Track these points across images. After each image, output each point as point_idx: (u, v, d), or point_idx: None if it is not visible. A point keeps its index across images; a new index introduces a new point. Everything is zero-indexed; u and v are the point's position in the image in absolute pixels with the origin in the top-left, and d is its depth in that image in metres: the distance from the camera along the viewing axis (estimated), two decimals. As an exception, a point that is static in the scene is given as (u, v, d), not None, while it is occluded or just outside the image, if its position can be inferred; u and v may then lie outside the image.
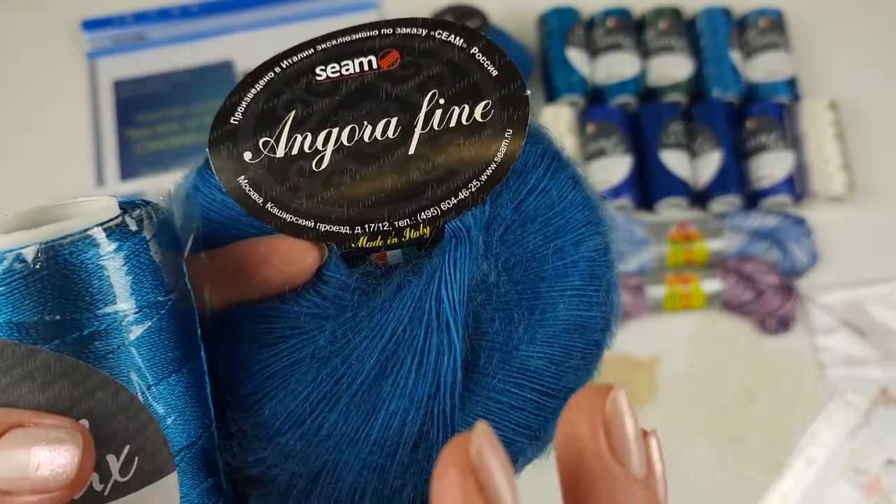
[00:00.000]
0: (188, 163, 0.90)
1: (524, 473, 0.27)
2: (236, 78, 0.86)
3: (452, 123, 0.24)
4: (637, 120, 0.80)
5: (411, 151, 0.24)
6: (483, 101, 0.24)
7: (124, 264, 0.20)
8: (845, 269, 0.77)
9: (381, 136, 0.24)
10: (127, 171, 0.83)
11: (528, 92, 0.25)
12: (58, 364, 0.19)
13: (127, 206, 0.22)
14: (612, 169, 0.77)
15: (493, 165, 0.24)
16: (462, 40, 0.25)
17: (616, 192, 0.77)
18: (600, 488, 0.16)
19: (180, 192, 0.26)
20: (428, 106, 0.24)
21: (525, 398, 0.24)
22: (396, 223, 0.24)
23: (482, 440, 0.15)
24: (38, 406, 0.19)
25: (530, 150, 0.26)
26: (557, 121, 0.79)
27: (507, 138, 0.24)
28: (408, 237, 0.24)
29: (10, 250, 0.19)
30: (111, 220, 0.20)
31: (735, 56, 0.82)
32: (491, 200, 0.25)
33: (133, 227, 0.21)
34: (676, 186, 0.78)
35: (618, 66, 0.82)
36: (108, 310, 0.20)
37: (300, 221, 0.24)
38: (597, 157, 0.78)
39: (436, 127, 0.24)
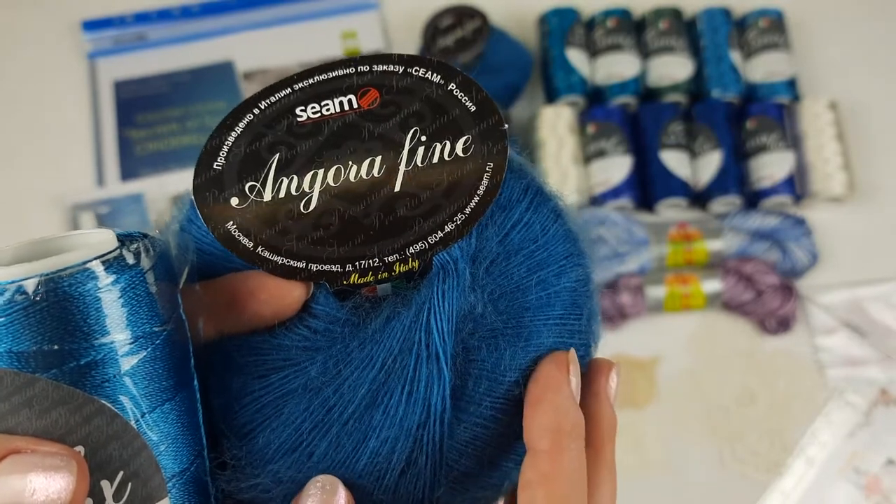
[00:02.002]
0: (188, 163, 0.90)
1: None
2: (237, 78, 0.86)
3: (435, 159, 0.25)
4: (637, 120, 0.80)
5: (397, 189, 0.25)
6: (463, 136, 0.25)
7: (121, 296, 0.21)
8: (845, 269, 0.77)
9: (367, 175, 0.25)
10: (127, 172, 0.83)
11: (506, 126, 0.25)
12: (55, 392, 0.20)
13: (125, 238, 0.23)
14: (613, 169, 0.78)
15: (477, 198, 0.25)
16: (439, 76, 0.25)
17: (616, 192, 0.77)
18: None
19: (175, 224, 0.27)
20: (410, 143, 0.25)
21: (510, 423, 0.25)
22: (386, 258, 0.25)
23: (573, 355, 0.25)
24: (35, 433, 0.20)
25: (514, 184, 0.26)
26: (557, 121, 0.79)
27: (489, 171, 0.25)
28: (397, 271, 0.25)
29: (12, 282, 0.20)
30: (109, 252, 0.21)
31: (735, 56, 0.82)
32: (477, 234, 0.25)
33: (131, 259, 0.21)
34: (676, 187, 0.78)
35: (618, 66, 0.82)
36: (104, 340, 0.21)
37: (291, 263, 0.24)
38: (597, 157, 0.78)
39: (419, 164, 0.25)
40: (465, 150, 0.25)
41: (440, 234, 0.25)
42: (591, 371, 0.26)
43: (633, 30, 0.83)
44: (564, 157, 0.78)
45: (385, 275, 0.25)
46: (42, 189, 0.81)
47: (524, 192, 0.26)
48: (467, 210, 0.25)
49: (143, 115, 0.85)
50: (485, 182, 0.25)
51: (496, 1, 0.83)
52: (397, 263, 0.25)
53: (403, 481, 0.24)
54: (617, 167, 0.78)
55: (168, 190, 0.81)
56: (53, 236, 0.23)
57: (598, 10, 0.84)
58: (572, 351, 0.25)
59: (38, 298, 0.20)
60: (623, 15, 0.83)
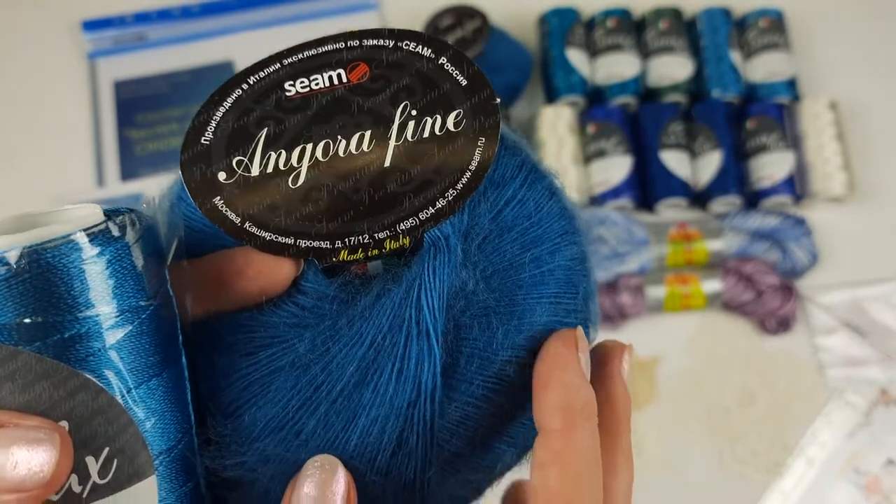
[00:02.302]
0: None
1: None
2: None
3: (426, 134, 0.24)
4: (637, 120, 0.80)
5: (387, 164, 0.24)
6: (454, 110, 0.25)
7: (106, 268, 0.21)
8: (845, 269, 0.77)
9: (356, 150, 0.24)
10: (127, 172, 0.83)
11: (498, 100, 0.25)
12: (39, 365, 0.20)
13: (112, 213, 0.22)
14: (613, 169, 0.78)
15: (469, 173, 0.24)
16: (430, 50, 0.25)
17: (616, 192, 0.77)
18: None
19: (164, 201, 0.26)
20: (401, 118, 0.25)
21: (503, 404, 0.25)
22: (376, 235, 0.24)
23: (581, 332, 0.24)
24: (18, 407, 0.20)
25: (508, 161, 0.26)
26: (558, 121, 0.79)
27: (480, 146, 0.24)
28: (388, 248, 0.24)
29: None
30: (95, 225, 0.21)
31: (735, 56, 0.82)
32: (469, 210, 0.25)
33: (116, 232, 0.21)
34: (676, 187, 0.78)
35: (618, 66, 0.82)
36: (89, 313, 0.20)
37: (280, 239, 0.24)
38: (597, 157, 0.78)
39: (409, 138, 0.24)
40: (456, 125, 0.25)
41: (431, 210, 0.24)
42: (604, 353, 0.26)
43: (633, 30, 0.83)
44: (564, 157, 0.78)
45: (375, 251, 0.24)
46: (42, 189, 0.81)
47: (518, 168, 0.26)
48: (459, 186, 0.24)
49: (143, 115, 0.85)
50: (476, 157, 0.24)
51: (496, 1, 0.83)
52: (388, 240, 0.24)
53: (395, 462, 0.24)
54: (617, 167, 0.78)
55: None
56: (40, 211, 0.22)
57: (598, 10, 0.84)
58: (579, 328, 0.24)
59: (20, 269, 0.19)
60: (623, 15, 0.83)
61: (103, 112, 0.85)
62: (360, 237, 0.24)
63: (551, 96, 0.82)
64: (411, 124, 0.25)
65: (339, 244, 0.24)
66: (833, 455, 0.63)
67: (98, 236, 0.21)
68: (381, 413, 0.23)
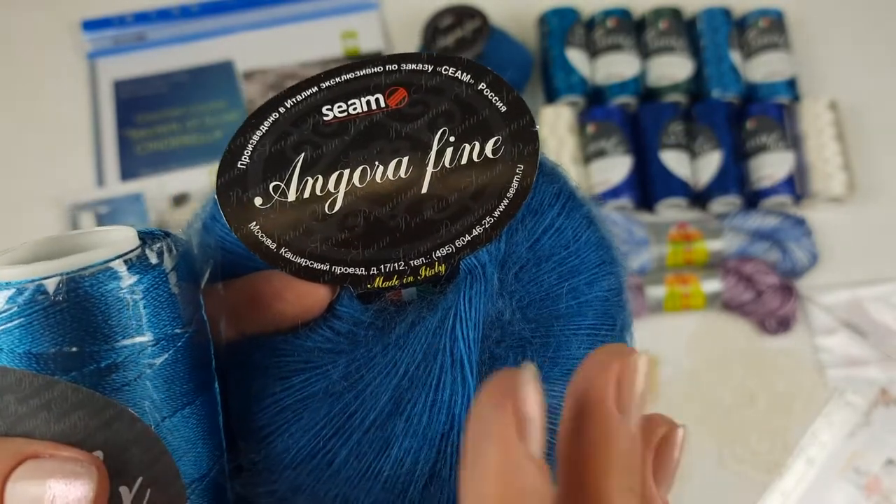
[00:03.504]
0: (188, 163, 0.90)
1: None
2: (236, 78, 0.86)
3: (464, 161, 0.24)
4: (637, 120, 0.80)
5: (424, 190, 0.24)
6: (493, 137, 0.24)
7: (143, 297, 0.20)
8: (845, 269, 0.77)
9: (393, 176, 0.24)
10: (127, 172, 0.83)
11: (538, 127, 0.25)
12: (75, 395, 0.20)
13: (146, 236, 0.22)
14: (612, 169, 0.78)
15: (507, 201, 0.24)
16: (469, 76, 0.25)
17: (616, 192, 0.77)
18: (596, 429, 0.17)
19: (198, 223, 0.26)
20: (439, 144, 0.24)
21: None
22: (412, 262, 0.24)
23: (528, 376, 0.17)
24: (54, 437, 0.19)
25: (546, 189, 0.26)
26: (557, 121, 0.79)
27: (519, 173, 0.24)
28: (423, 275, 0.24)
29: (31, 280, 0.19)
30: (132, 251, 0.20)
31: (735, 56, 0.82)
32: (506, 238, 0.25)
33: (154, 259, 0.21)
34: (676, 187, 0.78)
35: (618, 66, 0.82)
36: (126, 342, 0.20)
37: (315, 265, 0.24)
38: (597, 157, 0.78)
39: (447, 165, 0.24)
40: (494, 152, 0.24)
41: (468, 237, 0.24)
42: (582, 380, 0.19)
43: (633, 30, 0.83)
44: (564, 157, 0.78)
45: (410, 279, 0.24)
46: (42, 189, 0.81)
47: (556, 196, 0.26)
48: (496, 213, 0.24)
49: (142, 114, 0.85)
50: (515, 185, 0.24)
51: (496, 1, 0.83)
52: (423, 267, 0.24)
53: (427, 494, 0.23)
54: (617, 167, 0.78)
55: (168, 190, 0.81)
56: (73, 233, 0.22)
57: (598, 10, 0.84)
58: (529, 366, 0.17)
59: (58, 298, 0.19)
60: (623, 15, 0.83)
61: (103, 112, 0.85)
62: (396, 264, 0.24)
63: (551, 96, 0.82)
64: (449, 150, 0.24)
65: (374, 271, 0.24)
66: (833, 455, 0.63)
67: (136, 264, 0.20)
68: (413, 444, 0.23)
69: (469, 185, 0.24)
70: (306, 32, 0.88)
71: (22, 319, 0.19)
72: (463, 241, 0.24)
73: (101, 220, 0.80)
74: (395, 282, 0.24)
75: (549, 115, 0.79)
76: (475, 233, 0.24)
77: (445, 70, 0.25)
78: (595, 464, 0.17)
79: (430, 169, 0.24)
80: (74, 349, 0.19)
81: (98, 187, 0.82)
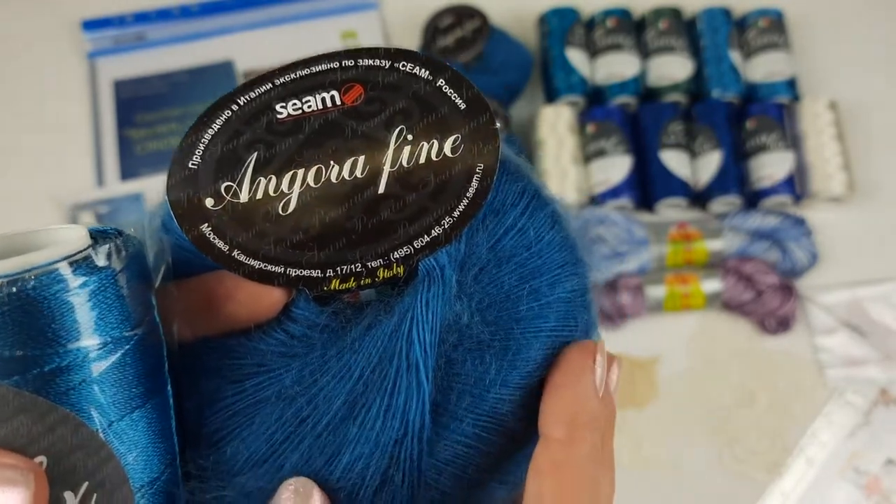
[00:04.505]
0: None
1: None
2: (236, 78, 0.86)
3: (422, 160, 0.24)
4: (637, 120, 0.80)
5: (381, 190, 0.23)
6: (452, 135, 0.24)
7: (90, 299, 0.20)
8: (845, 269, 0.77)
9: (349, 176, 0.23)
10: (127, 171, 0.83)
11: (498, 125, 0.24)
12: (17, 400, 0.19)
13: (99, 235, 0.21)
14: (612, 169, 0.78)
15: (466, 201, 0.23)
16: (427, 72, 0.24)
17: (616, 192, 0.77)
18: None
19: (154, 221, 0.25)
20: (396, 143, 0.24)
21: (495, 442, 0.24)
22: (369, 264, 0.24)
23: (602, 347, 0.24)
24: None
25: (509, 188, 0.25)
26: (557, 121, 0.79)
27: (479, 173, 0.24)
28: (381, 277, 0.24)
29: None
30: (78, 252, 0.20)
31: (735, 56, 0.82)
32: (467, 239, 0.24)
33: (101, 261, 0.20)
34: (676, 186, 0.78)
35: (618, 66, 0.82)
36: (71, 346, 0.19)
37: (269, 267, 0.23)
38: (597, 157, 0.78)
39: (405, 164, 0.23)
40: (454, 150, 0.24)
41: (426, 238, 0.23)
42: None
43: (633, 30, 0.83)
44: (564, 157, 0.78)
45: (368, 280, 0.24)
46: (42, 189, 0.81)
47: (520, 195, 0.25)
48: (455, 213, 0.23)
49: (142, 114, 0.85)
50: (475, 184, 0.23)
51: (496, 1, 0.83)
52: (381, 269, 0.24)
53: (378, 500, 0.23)
54: (617, 167, 0.78)
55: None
56: (25, 231, 0.21)
57: (598, 9, 0.84)
58: (602, 342, 0.24)
59: (0, 301, 0.18)
60: (623, 15, 0.83)
61: (103, 112, 0.85)
62: (353, 266, 0.24)
63: (551, 96, 0.82)
64: (407, 149, 0.24)
65: (330, 273, 0.24)
66: (833, 455, 0.63)
67: (82, 265, 0.19)
68: (366, 450, 0.23)
69: (427, 185, 0.23)
70: (306, 32, 0.88)
71: None
72: (421, 241, 0.23)
73: (101, 220, 0.80)
74: (351, 284, 0.24)
75: (549, 115, 0.79)
76: (434, 234, 0.23)
77: (403, 66, 0.24)
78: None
79: (387, 168, 0.23)
80: (17, 353, 0.19)
81: (98, 187, 0.82)
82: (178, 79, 0.86)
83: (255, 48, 0.87)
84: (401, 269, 0.24)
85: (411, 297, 0.23)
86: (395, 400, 0.22)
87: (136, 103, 0.85)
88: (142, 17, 0.87)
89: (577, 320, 0.25)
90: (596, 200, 0.78)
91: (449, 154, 0.24)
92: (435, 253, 0.23)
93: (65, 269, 0.19)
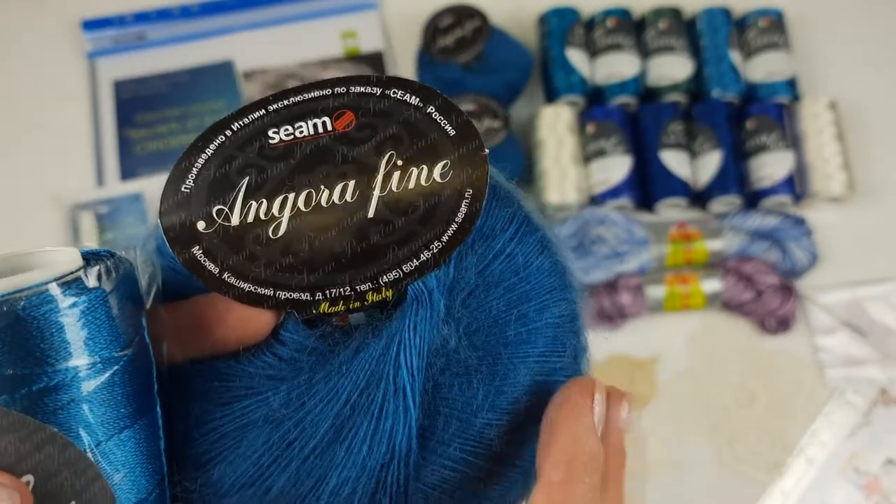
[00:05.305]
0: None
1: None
2: (236, 78, 0.86)
3: (411, 185, 0.24)
4: (637, 120, 0.80)
5: (370, 215, 0.24)
6: (441, 161, 0.24)
7: (80, 319, 0.20)
8: (845, 269, 0.77)
9: (339, 201, 0.24)
10: (127, 171, 0.83)
11: (487, 151, 0.24)
12: (5, 419, 0.19)
13: (90, 257, 0.22)
14: (612, 169, 0.77)
15: (455, 226, 0.24)
16: (417, 99, 0.24)
17: (616, 192, 0.77)
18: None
19: (148, 244, 0.26)
20: (386, 168, 0.24)
21: (482, 467, 0.24)
22: (358, 287, 0.24)
23: (601, 385, 0.23)
24: None
25: (498, 213, 0.25)
26: (557, 121, 0.79)
27: (467, 198, 0.24)
28: (370, 301, 0.24)
29: None
30: (69, 274, 0.20)
31: (735, 56, 0.82)
32: (456, 263, 0.24)
33: (91, 282, 0.20)
34: (676, 186, 0.78)
35: (618, 66, 0.82)
36: (60, 366, 0.20)
37: (259, 290, 0.24)
38: (597, 157, 0.78)
39: (394, 189, 0.24)
40: (443, 176, 0.24)
41: (415, 262, 0.24)
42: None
43: (633, 30, 0.83)
44: (564, 157, 0.78)
45: (357, 304, 0.24)
46: (42, 189, 0.81)
47: (509, 220, 0.25)
48: (444, 238, 0.24)
49: (142, 114, 0.85)
50: (463, 209, 0.24)
51: (496, 1, 0.83)
52: (370, 292, 0.24)
53: None
54: (617, 167, 0.78)
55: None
56: (18, 252, 0.22)
57: (597, 9, 0.84)
58: (599, 379, 0.24)
59: None
60: (623, 15, 0.83)
61: (103, 112, 0.85)
62: (342, 289, 0.24)
63: (551, 96, 0.82)
64: (396, 174, 0.24)
65: (319, 296, 0.24)
66: (833, 455, 0.63)
67: (72, 286, 0.20)
68: (352, 473, 0.23)
69: (417, 210, 0.24)
70: (306, 32, 0.88)
71: None
72: (410, 265, 0.24)
73: (101, 220, 0.80)
74: (340, 307, 0.24)
75: (549, 115, 0.79)
76: (423, 258, 0.24)
77: (394, 93, 0.24)
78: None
79: (376, 193, 0.24)
80: (7, 372, 0.19)
81: (98, 187, 0.82)
82: (178, 79, 0.86)
83: (255, 48, 0.87)
84: (389, 293, 0.24)
85: (399, 321, 0.23)
86: (382, 424, 0.23)
87: (136, 103, 0.85)
88: (142, 17, 0.88)
89: (565, 346, 0.25)
90: (596, 200, 0.78)
91: (438, 179, 0.24)
92: (424, 277, 0.24)
93: (55, 290, 0.19)
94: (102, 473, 0.21)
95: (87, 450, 0.20)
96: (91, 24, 0.87)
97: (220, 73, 0.86)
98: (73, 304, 0.20)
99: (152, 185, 0.82)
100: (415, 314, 0.23)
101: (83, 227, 0.79)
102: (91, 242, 0.78)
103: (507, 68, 0.81)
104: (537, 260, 0.25)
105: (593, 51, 0.83)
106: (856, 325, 0.75)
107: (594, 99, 0.82)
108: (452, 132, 0.24)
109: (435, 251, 0.24)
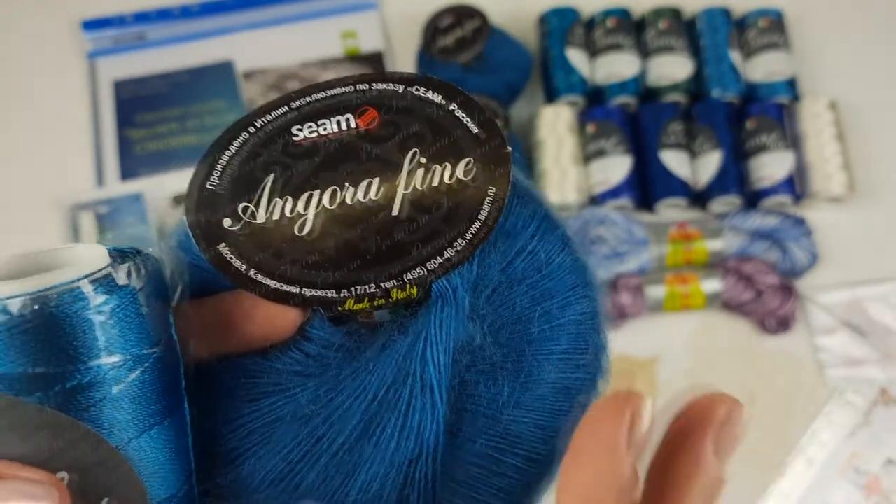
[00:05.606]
0: (188, 163, 0.90)
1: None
2: (236, 78, 0.86)
3: (435, 182, 0.24)
4: (637, 120, 0.80)
5: (395, 212, 0.24)
6: (465, 158, 0.24)
7: (111, 317, 0.20)
8: (845, 269, 0.77)
9: (364, 198, 0.24)
10: (127, 171, 0.83)
11: (510, 149, 0.24)
12: (39, 416, 0.19)
13: (117, 254, 0.22)
14: (612, 169, 0.78)
15: (478, 223, 0.24)
16: (440, 96, 0.25)
17: (616, 192, 0.77)
18: (688, 461, 0.20)
19: (172, 240, 0.26)
20: (409, 165, 0.24)
21: (508, 463, 0.24)
22: (383, 284, 0.24)
23: (646, 399, 0.20)
24: (17, 458, 0.19)
25: (520, 211, 0.26)
26: (557, 121, 0.79)
27: (491, 196, 0.24)
28: (395, 298, 0.24)
29: None
30: (99, 271, 0.20)
31: (735, 56, 0.82)
32: (479, 261, 0.25)
33: (122, 279, 0.20)
34: (676, 186, 0.78)
35: (618, 66, 0.82)
36: (92, 363, 0.20)
37: (285, 287, 0.24)
38: (597, 157, 0.78)
39: (419, 186, 0.24)
40: (466, 174, 0.24)
41: (440, 259, 0.24)
42: (689, 413, 0.21)
43: (633, 30, 0.83)
44: (564, 157, 0.78)
45: (382, 301, 0.24)
46: (42, 189, 0.81)
47: (531, 218, 0.26)
48: (468, 236, 0.24)
49: (142, 114, 0.85)
50: (486, 207, 0.24)
51: (496, 1, 0.83)
52: (395, 290, 0.24)
53: None
54: (617, 167, 0.78)
55: (168, 190, 0.81)
56: (46, 249, 0.22)
57: (597, 9, 0.84)
58: (638, 393, 0.20)
59: (23, 318, 0.19)
60: (623, 15, 0.83)
61: (103, 112, 0.85)
62: (367, 286, 0.24)
63: (551, 96, 0.82)
64: (420, 172, 0.24)
65: (345, 293, 0.24)
66: (833, 455, 0.63)
67: (103, 283, 0.20)
68: (381, 469, 0.23)
69: (441, 208, 0.24)
70: (306, 32, 0.88)
71: None
72: (434, 263, 0.24)
73: (101, 220, 0.80)
74: (366, 304, 0.24)
75: (549, 115, 0.79)
76: (447, 255, 0.24)
77: (416, 90, 0.25)
78: (680, 490, 0.20)
79: (400, 190, 0.24)
80: (40, 370, 0.19)
81: (98, 187, 0.82)
82: (178, 79, 0.86)
83: (255, 48, 0.87)
84: (414, 291, 0.24)
85: (425, 318, 0.24)
86: (410, 420, 0.23)
87: (136, 103, 0.85)
88: (142, 17, 0.88)
89: (587, 343, 0.25)
90: (596, 200, 0.78)
91: (462, 177, 0.24)
92: (448, 274, 0.24)
93: (86, 288, 0.20)
94: (134, 470, 0.21)
95: (119, 446, 0.21)
96: (91, 24, 0.87)
97: (220, 74, 0.86)
98: (105, 302, 0.20)
99: (152, 185, 0.82)
100: (440, 311, 0.24)
101: (83, 227, 0.79)
102: (96, 242, 0.78)
103: (507, 68, 0.81)
104: (559, 257, 0.26)
105: (593, 51, 0.83)
106: (856, 325, 0.75)
107: (594, 99, 0.82)
108: (476, 130, 0.24)
109: (459, 249, 0.24)
